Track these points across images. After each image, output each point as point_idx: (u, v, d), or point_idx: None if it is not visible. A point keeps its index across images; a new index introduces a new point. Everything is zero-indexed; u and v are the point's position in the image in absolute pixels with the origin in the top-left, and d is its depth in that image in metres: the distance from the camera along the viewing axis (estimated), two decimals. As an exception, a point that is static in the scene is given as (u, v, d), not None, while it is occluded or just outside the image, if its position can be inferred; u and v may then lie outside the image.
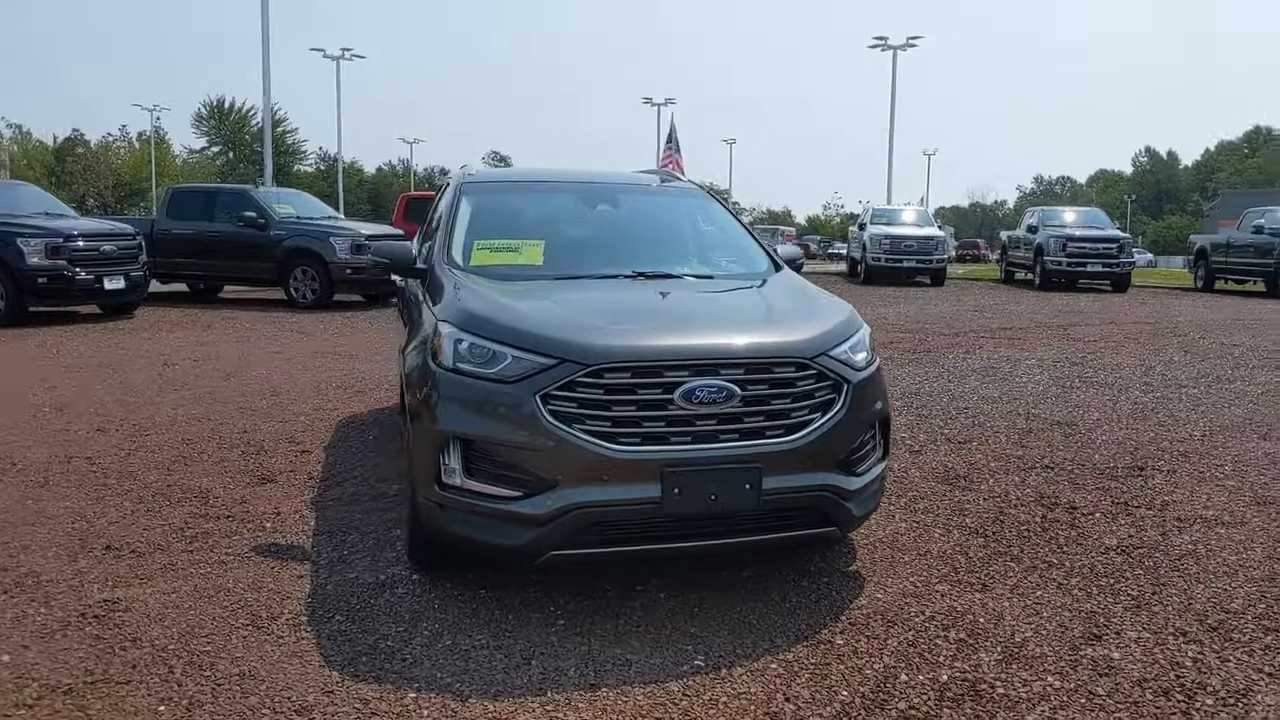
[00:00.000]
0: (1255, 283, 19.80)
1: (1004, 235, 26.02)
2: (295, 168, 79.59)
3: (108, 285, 11.83)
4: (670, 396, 3.11)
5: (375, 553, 3.93)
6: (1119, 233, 21.05)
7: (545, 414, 3.07)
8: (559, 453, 3.06)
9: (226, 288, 16.46)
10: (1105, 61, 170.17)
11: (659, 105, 50.85)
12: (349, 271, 14.13)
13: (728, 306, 3.84)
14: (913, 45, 34.65)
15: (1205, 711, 2.69)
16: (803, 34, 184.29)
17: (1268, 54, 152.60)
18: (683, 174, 8.65)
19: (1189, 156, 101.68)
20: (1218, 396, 7.39)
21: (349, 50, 43.34)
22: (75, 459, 5.35)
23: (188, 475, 5.08)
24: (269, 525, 4.28)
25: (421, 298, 4.11)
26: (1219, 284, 20.88)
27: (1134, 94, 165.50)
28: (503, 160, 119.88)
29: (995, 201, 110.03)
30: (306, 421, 6.40)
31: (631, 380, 3.10)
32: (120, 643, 3.09)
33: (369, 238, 14.45)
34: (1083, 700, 2.75)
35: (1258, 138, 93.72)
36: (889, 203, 31.75)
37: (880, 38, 34.46)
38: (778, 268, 4.42)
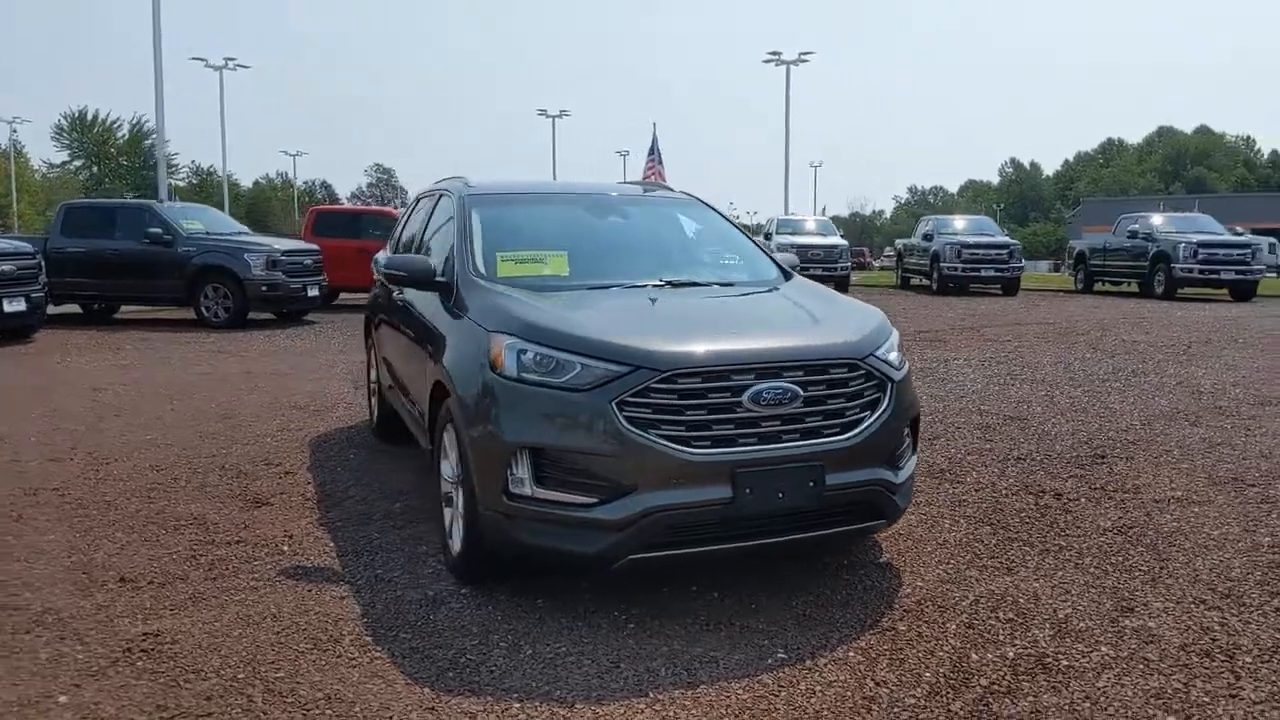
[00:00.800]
0: (1129, 284, 21.32)
1: (899, 243, 27.14)
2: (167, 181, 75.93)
3: (7, 308, 11.09)
4: (739, 399, 3.20)
5: (410, 570, 3.87)
6: (1009, 239, 22.28)
7: (622, 420, 3.11)
8: (636, 458, 3.11)
9: (124, 308, 15.62)
10: (971, 76, 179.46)
11: (554, 117, 50.89)
12: (264, 289, 13.64)
13: (772, 311, 3.95)
14: (805, 60, 35.83)
15: (1248, 669, 2.95)
16: (693, 47, 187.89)
17: (1117, 72, 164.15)
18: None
19: (1050, 167, 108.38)
20: (1139, 389, 7.95)
21: (232, 60, 41.71)
22: (41, 490, 5.04)
23: (172, 502, 4.85)
24: (286, 549, 4.15)
25: (444, 311, 4.09)
26: (1097, 285, 22.39)
27: (998, 106, 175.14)
28: (387, 173, 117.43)
29: (874, 211, 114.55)
30: (274, 443, 6.19)
31: (702, 385, 3.18)
32: (182, 675, 2.97)
33: (285, 254, 14.03)
34: (1140, 666, 2.97)
35: (1111, 149, 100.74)
36: (786, 213, 32.68)
37: (774, 52, 35.48)
38: (785, 274, 4.57)
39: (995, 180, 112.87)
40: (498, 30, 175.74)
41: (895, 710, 2.74)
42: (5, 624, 3.36)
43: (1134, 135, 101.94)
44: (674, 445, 3.12)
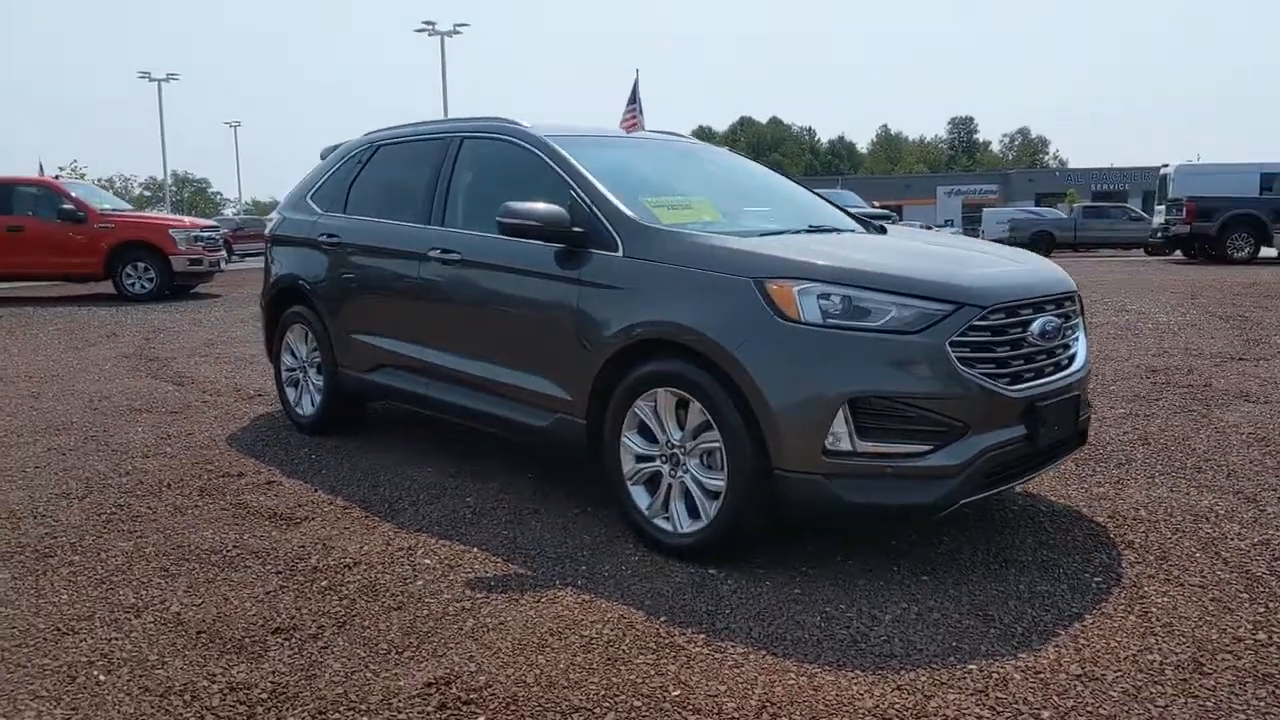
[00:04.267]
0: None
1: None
2: None
3: None
4: (1025, 335, 3.20)
5: (613, 561, 3.35)
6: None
7: (956, 361, 2.98)
8: (969, 399, 2.99)
9: None
10: (607, 55, 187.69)
11: (159, 81, 44.65)
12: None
13: (976, 250, 3.91)
14: (459, 32, 35.11)
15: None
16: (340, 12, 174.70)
17: (703, 63, 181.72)
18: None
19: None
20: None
21: None
22: (-56, 543, 3.54)
23: (167, 533, 3.68)
24: (429, 563, 3.37)
25: (578, 266, 3.58)
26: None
27: (609, 90, 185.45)
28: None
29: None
30: (183, 452, 4.90)
31: (1005, 320, 3.14)
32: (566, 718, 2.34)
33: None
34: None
35: (702, 136, 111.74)
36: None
37: (428, 22, 34.32)
38: (860, 220, 4.54)
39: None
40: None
41: (1273, 607, 2.93)
42: (198, 711, 2.38)
43: (720, 124, 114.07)
44: (993, 383, 3.06)
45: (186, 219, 15.60)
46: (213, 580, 3.24)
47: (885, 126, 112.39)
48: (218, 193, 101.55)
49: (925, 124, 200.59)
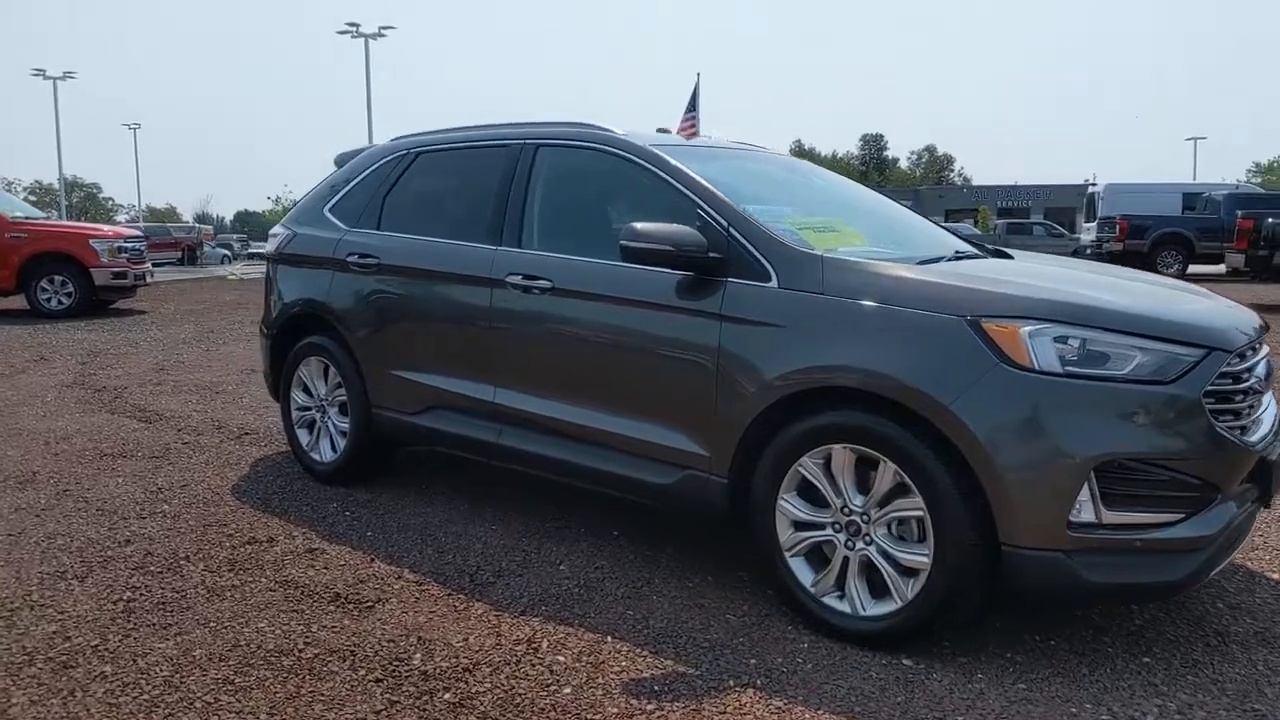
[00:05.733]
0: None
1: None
2: None
3: None
4: (1252, 380, 2.82)
5: (787, 648, 2.83)
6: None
7: (1210, 413, 2.56)
8: (1222, 457, 2.58)
9: None
10: (501, 69, 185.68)
11: (55, 79, 41.92)
12: None
13: (1161, 284, 3.50)
14: (383, 35, 33.85)
15: None
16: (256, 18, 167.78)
17: (666, 63, 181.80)
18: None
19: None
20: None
21: None
22: (-74, 652, 2.77)
23: (214, 628, 3.00)
24: (564, 660, 2.78)
25: (710, 300, 3.08)
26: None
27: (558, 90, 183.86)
28: None
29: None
30: (186, 508, 4.17)
31: (1239, 365, 2.75)
32: None
33: None
34: None
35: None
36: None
37: (352, 24, 32.93)
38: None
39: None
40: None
41: None
42: None
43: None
44: (1237, 436, 2.65)
45: (108, 228, 14.37)
46: (298, 695, 2.58)
47: (798, 141, 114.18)
48: (109, 198, 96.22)
49: (837, 140, 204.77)
